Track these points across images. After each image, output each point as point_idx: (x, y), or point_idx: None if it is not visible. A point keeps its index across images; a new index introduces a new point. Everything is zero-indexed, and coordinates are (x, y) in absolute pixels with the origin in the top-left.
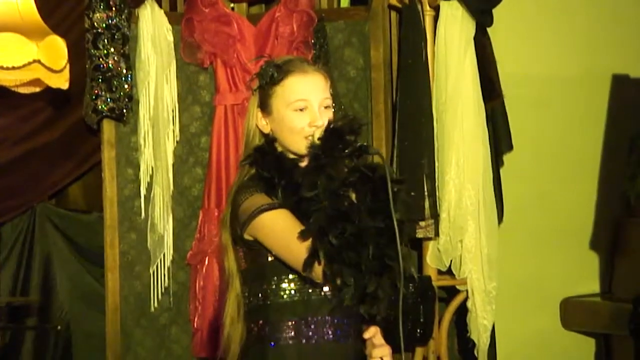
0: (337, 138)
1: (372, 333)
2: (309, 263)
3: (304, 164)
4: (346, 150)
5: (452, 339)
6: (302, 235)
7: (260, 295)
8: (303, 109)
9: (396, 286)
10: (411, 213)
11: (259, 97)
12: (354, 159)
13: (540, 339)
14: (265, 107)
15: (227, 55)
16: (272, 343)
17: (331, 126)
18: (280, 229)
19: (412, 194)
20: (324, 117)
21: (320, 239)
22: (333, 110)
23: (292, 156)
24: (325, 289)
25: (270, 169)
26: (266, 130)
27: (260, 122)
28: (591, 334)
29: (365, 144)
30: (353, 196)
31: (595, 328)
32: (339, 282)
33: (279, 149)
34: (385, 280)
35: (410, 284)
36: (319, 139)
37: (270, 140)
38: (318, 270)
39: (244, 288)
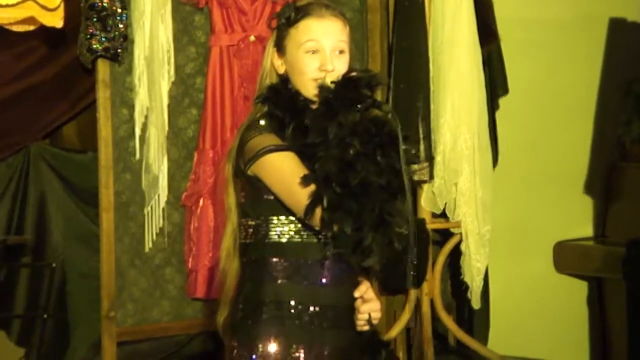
0: (352, 88)
1: (363, 291)
2: (310, 208)
3: (315, 106)
4: (359, 102)
5: (446, 281)
6: (305, 180)
7: (257, 232)
8: (315, 51)
9: (390, 243)
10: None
11: (276, 37)
12: (364, 112)
13: (533, 282)
14: (280, 47)
15: None
16: (267, 280)
17: (349, 75)
18: (284, 172)
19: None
20: (337, 63)
21: (325, 185)
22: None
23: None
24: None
25: (282, 108)
26: (280, 70)
27: (275, 62)
28: (584, 278)
29: (379, 100)
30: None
31: (587, 271)
32: (336, 229)
33: (293, 90)
34: (381, 235)
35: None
36: (332, 82)
37: (284, 79)
38: (318, 216)
39: (242, 221)
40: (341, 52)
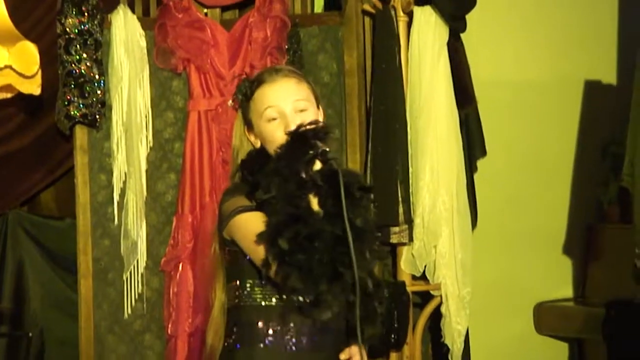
0: (300, 142)
1: (348, 355)
2: (264, 265)
3: None
4: (307, 155)
5: (426, 344)
6: (260, 238)
7: (234, 295)
8: (275, 118)
9: (350, 292)
10: (385, 219)
11: (242, 114)
12: (315, 163)
13: (514, 343)
14: (248, 123)
15: (201, 61)
16: (238, 345)
17: (298, 130)
18: (249, 231)
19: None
20: (302, 120)
21: (270, 242)
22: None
23: None
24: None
25: (255, 173)
26: (257, 145)
27: (250, 138)
28: (564, 339)
29: (326, 149)
30: (315, 201)
31: (568, 333)
32: (289, 285)
33: (268, 155)
34: (337, 285)
35: (382, 290)
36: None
37: (261, 148)
38: (274, 272)
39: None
40: (302, 110)
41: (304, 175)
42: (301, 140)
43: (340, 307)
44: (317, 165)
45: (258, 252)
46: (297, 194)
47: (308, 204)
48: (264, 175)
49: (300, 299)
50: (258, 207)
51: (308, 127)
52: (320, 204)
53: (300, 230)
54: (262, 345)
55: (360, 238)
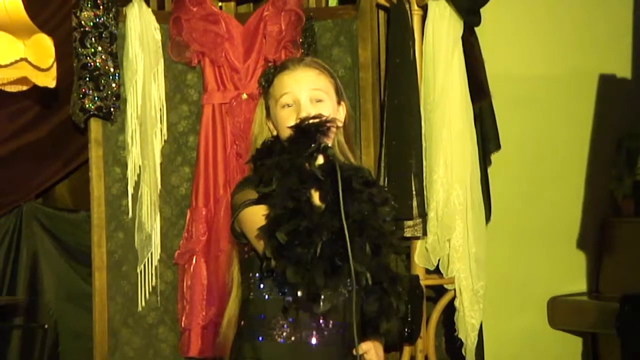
0: (302, 136)
1: (363, 349)
2: (265, 259)
3: None
4: (309, 149)
5: (440, 338)
6: (260, 231)
7: (247, 288)
8: (290, 104)
9: (351, 285)
10: (398, 212)
11: (263, 101)
12: (317, 158)
13: (528, 338)
14: (267, 110)
15: (215, 54)
16: (246, 337)
17: (301, 124)
18: (254, 223)
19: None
20: (316, 111)
21: (269, 235)
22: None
23: None
24: None
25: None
26: (275, 132)
27: (270, 126)
28: (578, 333)
29: (327, 144)
30: (317, 195)
31: (582, 327)
32: (287, 279)
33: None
34: (335, 279)
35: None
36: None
37: (276, 137)
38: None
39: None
40: (319, 101)
41: (305, 169)
42: (304, 134)
43: (338, 301)
44: (320, 160)
45: (260, 246)
46: (298, 188)
47: (308, 198)
48: (267, 169)
49: (299, 292)
50: (263, 200)
51: (311, 121)
52: (321, 198)
53: (299, 224)
54: (269, 338)
55: (361, 232)
